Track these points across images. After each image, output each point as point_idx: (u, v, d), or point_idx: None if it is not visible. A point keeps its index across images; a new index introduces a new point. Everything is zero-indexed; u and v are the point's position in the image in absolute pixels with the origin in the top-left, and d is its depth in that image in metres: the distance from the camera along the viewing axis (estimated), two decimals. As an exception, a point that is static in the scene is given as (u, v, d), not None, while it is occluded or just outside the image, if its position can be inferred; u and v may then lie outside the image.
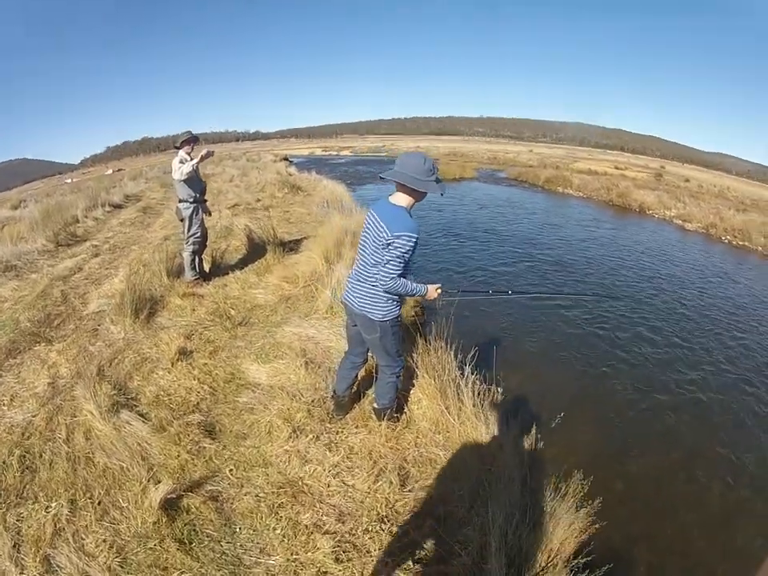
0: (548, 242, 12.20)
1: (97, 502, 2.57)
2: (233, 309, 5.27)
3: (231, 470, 2.94)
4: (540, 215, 16.35)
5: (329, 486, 2.87)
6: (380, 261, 2.68)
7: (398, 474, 2.98)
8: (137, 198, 13.64)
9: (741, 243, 15.28)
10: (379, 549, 2.46)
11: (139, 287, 4.97)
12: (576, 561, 2.54)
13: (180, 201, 5.49)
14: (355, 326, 3.08)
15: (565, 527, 2.63)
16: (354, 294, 2.90)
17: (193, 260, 5.82)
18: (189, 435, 3.18)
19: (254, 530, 2.53)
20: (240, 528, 2.54)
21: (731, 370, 5.87)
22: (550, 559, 2.45)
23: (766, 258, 13.97)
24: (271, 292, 5.72)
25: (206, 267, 6.30)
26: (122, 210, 11.70)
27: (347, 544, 2.48)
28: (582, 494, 2.89)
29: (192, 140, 5.44)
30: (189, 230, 5.59)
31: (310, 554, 2.41)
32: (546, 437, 3.30)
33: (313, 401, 3.59)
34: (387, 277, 2.66)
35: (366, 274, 2.82)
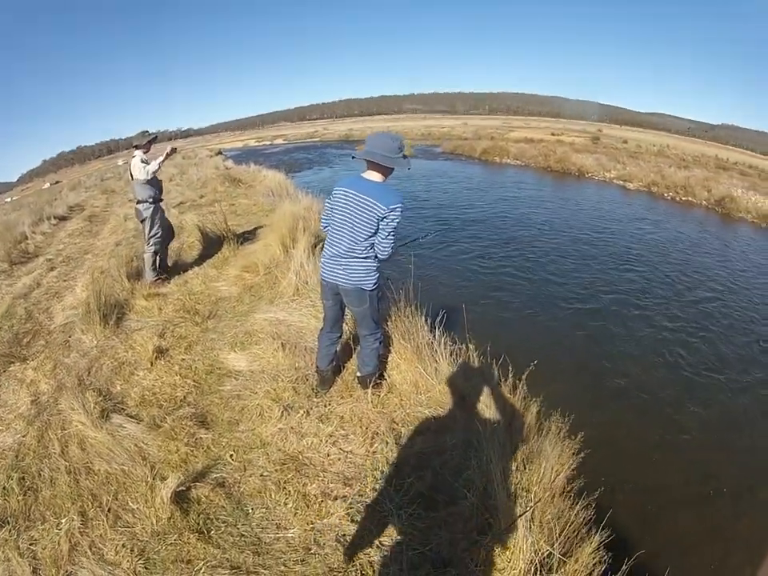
0: (479, 205, 12.95)
1: (107, 509, 2.58)
2: (199, 304, 5.25)
3: (231, 455, 3.02)
4: (472, 184, 16.77)
5: (329, 456, 2.99)
6: (372, 234, 2.85)
7: (391, 434, 3.14)
8: (80, 208, 13.13)
9: (684, 198, 16.00)
10: (390, 503, 2.60)
11: (103, 293, 4.85)
12: (570, 488, 2.78)
13: (139, 202, 5.42)
14: (333, 303, 3.23)
15: (554, 460, 2.83)
16: (344, 271, 2.98)
17: (154, 261, 5.73)
18: (184, 429, 3.21)
19: (266, 509, 2.63)
20: (252, 509, 2.63)
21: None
22: (546, 489, 2.65)
23: (709, 210, 14.76)
24: (233, 283, 5.70)
25: (169, 262, 6.27)
26: (68, 221, 11.27)
27: (359, 505, 2.62)
28: (564, 430, 3.14)
29: (154, 139, 5.50)
30: (150, 230, 5.54)
31: (325, 520, 2.53)
32: (521, 385, 3.47)
33: (296, 379, 3.68)
34: (389, 246, 2.90)
35: (356, 248, 2.91)
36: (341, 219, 2.93)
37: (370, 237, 2.87)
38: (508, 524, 2.33)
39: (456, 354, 3.87)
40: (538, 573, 2.16)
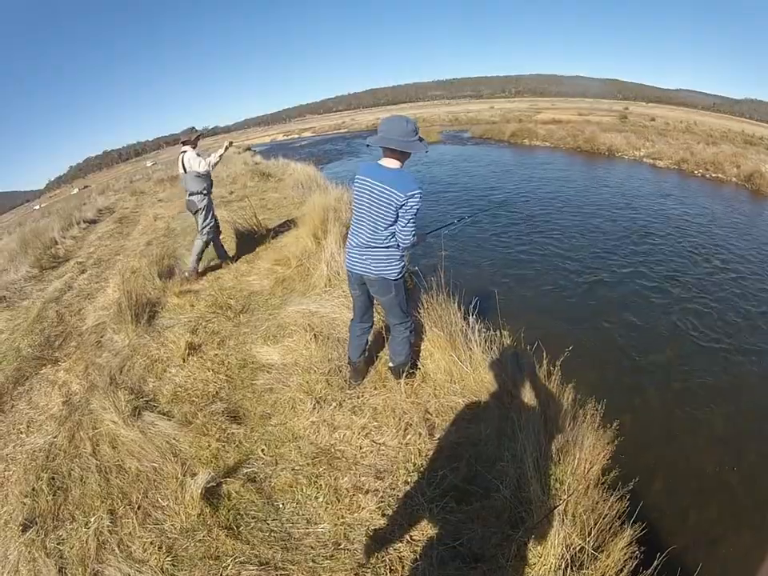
0: (514, 188, 12.61)
1: (136, 506, 2.55)
2: (231, 299, 5.22)
3: (263, 449, 2.97)
4: (506, 167, 16.37)
5: (361, 448, 2.92)
6: (392, 222, 2.78)
7: (425, 425, 3.05)
8: (110, 211, 13.37)
9: (714, 175, 15.27)
10: (422, 496, 2.50)
11: (134, 292, 4.89)
12: (604, 479, 2.61)
13: (193, 194, 5.64)
14: (360, 293, 3.14)
15: (588, 450, 2.68)
16: (366, 260, 2.92)
17: (202, 250, 5.94)
18: (215, 424, 3.18)
19: (296, 503, 2.56)
20: (283, 504, 2.57)
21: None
22: (580, 481, 2.49)
23: (738, 186, 14.01)
24: (265, 277, 5.67)
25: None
26: (98, 224, 11.48)
27: (390, 498, 2.53)
28: (598, 419, 2.96)
29: (200, 136, 5.75)
30: (204, 221, 5.78)
31: (356, 514, 2.45)
32: (555, 372, 3.33)
33: (329, 371, 3.61)
34: (410, 234, 2.82)
35: (377, 237, 2.84)
36: (361, 208, 2.86)
37: (390, 225, 2.80)
38: (540, 518, 2.22)
39: (490, 341, 3.72)
40: (569, 568, 2.05)
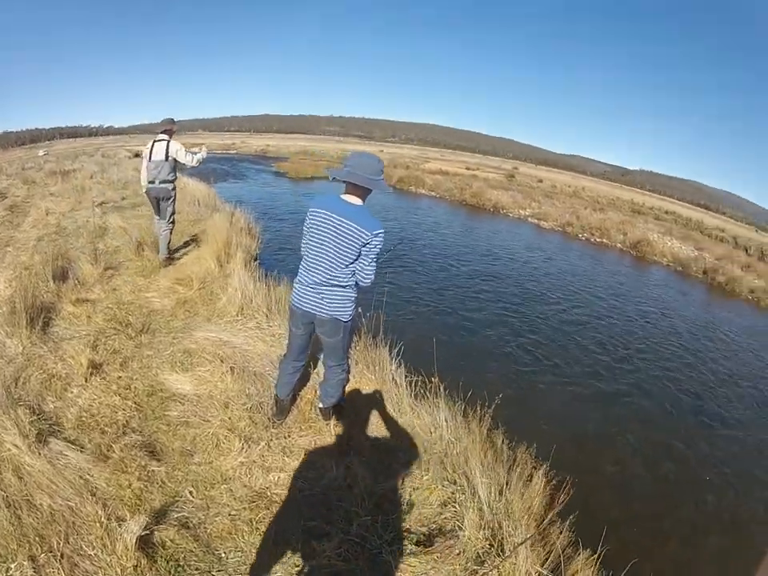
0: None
1: (59, 554, 2.18)
2: (130, 315, 4.81)
3: (191, 491, 2.74)
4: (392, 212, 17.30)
5: (301, 492, 2.83)
6: (353, 260, 2.72)
7: (365, 467, 3.02)
8: (2, 196, 11.67)
9: (599, 240, 17.12)
10: (379, 539, 2.51)
11: (29, 293, 4.31)
12: (550, 515, 2.77)
13: (165, 182, 5.79)
14: (303, 332, 3.04)
15: (535, 488, 2.96)
16: (321, 299, 2.81)
17: (170, 238, 6.19)
18: (134, 459, 2.86)
19: (241, 552, 2.41)
20: (225, 553, 2.40)
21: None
22: (529, 517, 2.73)
23: (623, 252, 16.10)
24: (165, 295, 5.33)
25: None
26: (-13, 207, 9.90)
27: (347, 544, 2.47)
28: (531, 458, 3.28)
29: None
30: (173, 209, 6.05)
31: (312, 561, 2.36)
32: (486, 419, 3.56)
33: (250, 407, 3.47)
34: (372, 273, 2.78)
35: (337, 275, 2.76)
36: (319, 244, 2.73)
37: (351, 263, 2.73)
38: (511, 551, 2.34)
39: (419, 385, 3.86)
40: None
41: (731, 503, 4.33)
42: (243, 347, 4.29)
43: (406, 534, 2.58)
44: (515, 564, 2.28)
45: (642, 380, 6.51)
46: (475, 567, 2.34)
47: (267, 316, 4.83)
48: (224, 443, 3.11)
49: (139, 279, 5.76)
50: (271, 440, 3.20)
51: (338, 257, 2.70)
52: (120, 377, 3.76)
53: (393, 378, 3.87)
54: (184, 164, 5.88)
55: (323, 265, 2.75)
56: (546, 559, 2.44)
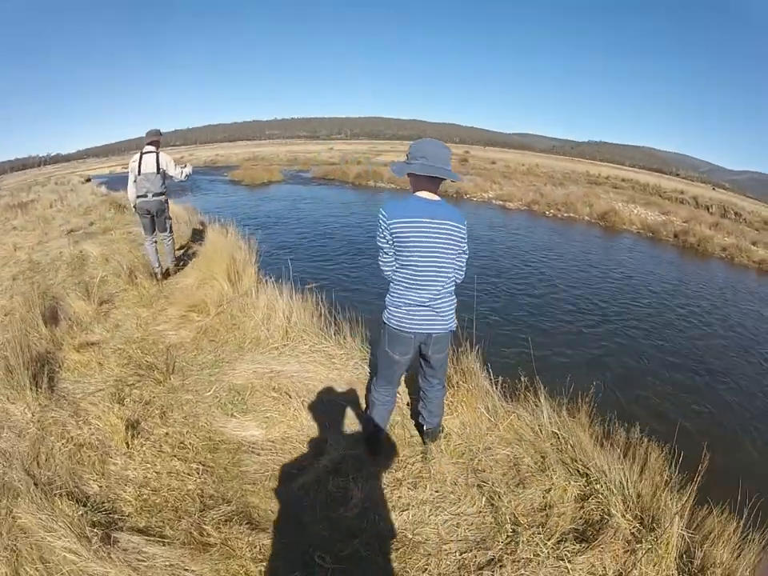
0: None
1: None
2: (147, 354, 3.98)
3: (322, 556, 2.13)
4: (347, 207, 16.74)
5: (444, 523, 2.38)
6: (456, 260, 2.47)
7: (491, 483, 2.64)
8: None
9: (566, 215, 17.21)
10: (543, 547, 2.20)
11: (21, 343, 3.44)
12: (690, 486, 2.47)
13: (157, 194, 5.54)
14: (412, 355, 2.59)
15: (654, 464, 2.72)
16: (436, 315, 2.44)
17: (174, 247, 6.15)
18: (239, 537, 2.18)
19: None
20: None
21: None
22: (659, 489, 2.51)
23: (591, 224, 16.15)
24: (179, 326, 4.53)
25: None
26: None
27: (505, 561, 2.14)
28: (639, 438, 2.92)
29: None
30: (168, 219, 5.86)
31: None
32: (586, 404, 3.15)
33: (345, 445, 2.88)
34: (464, 266, 2.57)
35: (448, 284, 2.46)
36: (427, 256, 2.35)
37: (454, 263, 2.45)
38: (669, 522, 2.22)
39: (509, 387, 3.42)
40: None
41: None
42: (302, 375, 3.61)
43: (561, 536, 2.28)
44: (671, 531, 2.16)
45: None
46: (636, 545, 2.19)
47: (318, 335, 4.16)
48: (335, 491, 2.53)
49: (141, 311, 4.92)
50: (386, 475, 2.70)
51: (448, 263, 2.42)
52: (167, 433, 3.00)
53: (482, 384, 3.35)
54: (172, 177, 5.64)
55: (436, 277, 2.40)
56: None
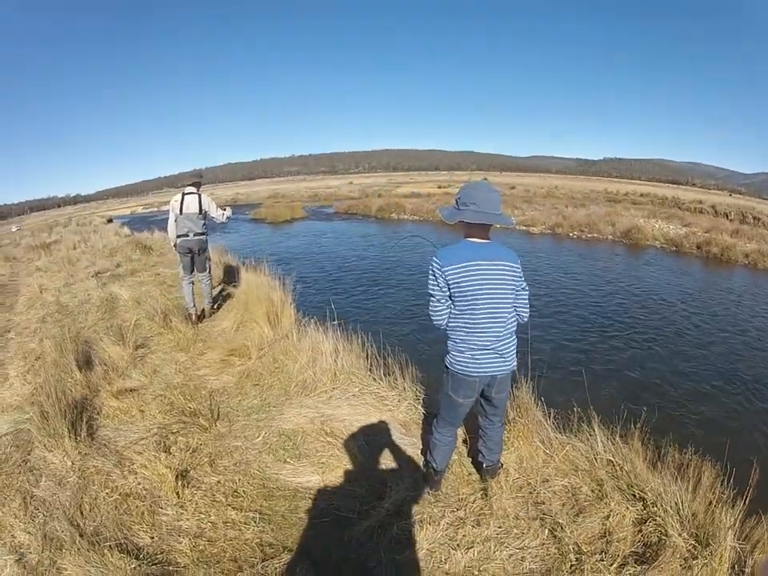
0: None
1: None
2: (190, 401, 3.89)
3: None
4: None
5: (509, 558, 2.34)
6: (514, 299, 2.50)
7: (550, 515, 2.60)
8: None
9: (590, 236, 17.03)
10: (607, 572, 2.20)
11: (55, 389, 3.39)
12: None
13: (198, 234, 5.66)
14: (476, 397, 2.58)
15: (705, 483, 2.66)
16: (500, 357, 2.44)
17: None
18: None
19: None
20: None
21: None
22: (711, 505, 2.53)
23: (615, 242, 15.92)
24: (220, 371, 4.47)
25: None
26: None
27: None
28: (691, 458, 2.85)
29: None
30: (208, 260, 6.01)
31: None
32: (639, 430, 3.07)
33: (405, 488, 2.80)
34: (527, 302, 2.58)
35: (509, 324, 2.46)
36: (486, 300, 2.35)
37: (512, 303, 2.48)
38: (723, 536, 2.25)
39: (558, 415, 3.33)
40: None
41: None
42: (354, 419, 3.51)
43: (623, 560, 2.29)
44: (725, 545, 2.21)
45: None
46: (693, 562, 2.22)
47: (367, 377, 4.06)
48: (399, 533, 2.46)
49: (179, 355, 4.86)
50: (446, 515, 2.62)
51: (506, 304, 2.43)
52: (218, 482, 2.91)
53: (537, 417, 3.26)
54: (213, 218, 5.83)
55: (495, 320, 2.41)
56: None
